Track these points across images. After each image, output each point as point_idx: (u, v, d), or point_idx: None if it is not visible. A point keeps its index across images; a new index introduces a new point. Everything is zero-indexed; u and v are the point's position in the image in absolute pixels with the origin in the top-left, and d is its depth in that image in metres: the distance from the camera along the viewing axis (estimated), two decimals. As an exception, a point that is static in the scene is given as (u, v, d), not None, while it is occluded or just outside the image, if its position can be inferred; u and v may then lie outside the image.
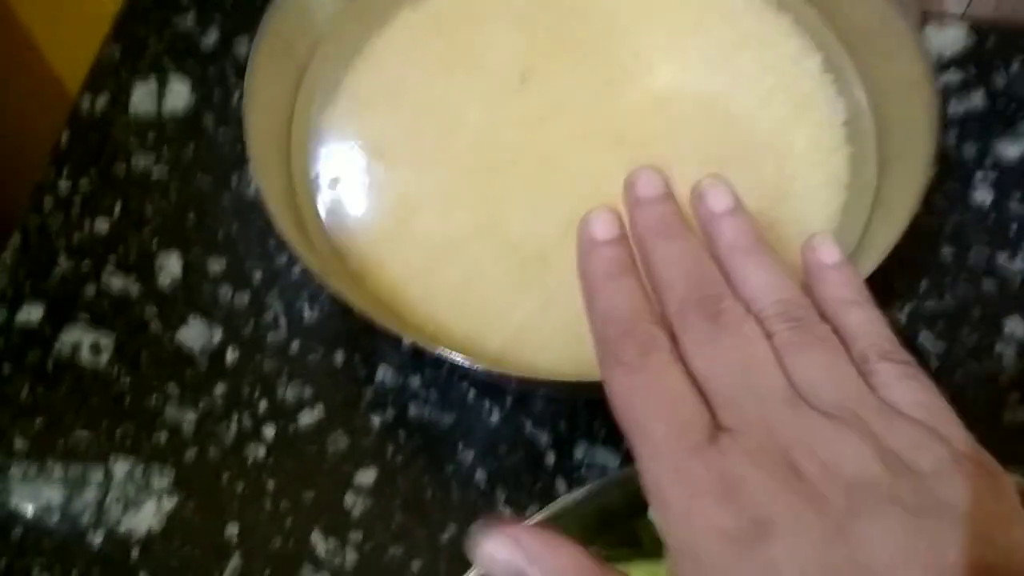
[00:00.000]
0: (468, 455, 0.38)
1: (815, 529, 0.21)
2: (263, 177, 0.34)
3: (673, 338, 0.25)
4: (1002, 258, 0.41)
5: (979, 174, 0.43)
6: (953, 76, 0.45)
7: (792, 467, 0.22)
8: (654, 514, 0.24)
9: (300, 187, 0.38)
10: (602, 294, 0.26)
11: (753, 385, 0.24)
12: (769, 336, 0.25)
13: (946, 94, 0.44)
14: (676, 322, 0.25)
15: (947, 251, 0.41)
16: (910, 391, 0.24)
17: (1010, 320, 0.39)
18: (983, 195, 0.42)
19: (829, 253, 0.28)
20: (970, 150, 0.43)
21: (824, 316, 0.26)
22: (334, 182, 0.38)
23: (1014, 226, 0.41)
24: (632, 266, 0.27)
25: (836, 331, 0.25)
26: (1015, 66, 0.45)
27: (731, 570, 0.22)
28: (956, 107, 0.44)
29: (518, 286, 0.36)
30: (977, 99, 0.44)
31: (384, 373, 0.39)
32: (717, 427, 0.23)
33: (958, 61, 0.45)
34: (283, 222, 0.33)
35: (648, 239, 0.27)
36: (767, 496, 0.22)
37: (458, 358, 0.31)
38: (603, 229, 0.27)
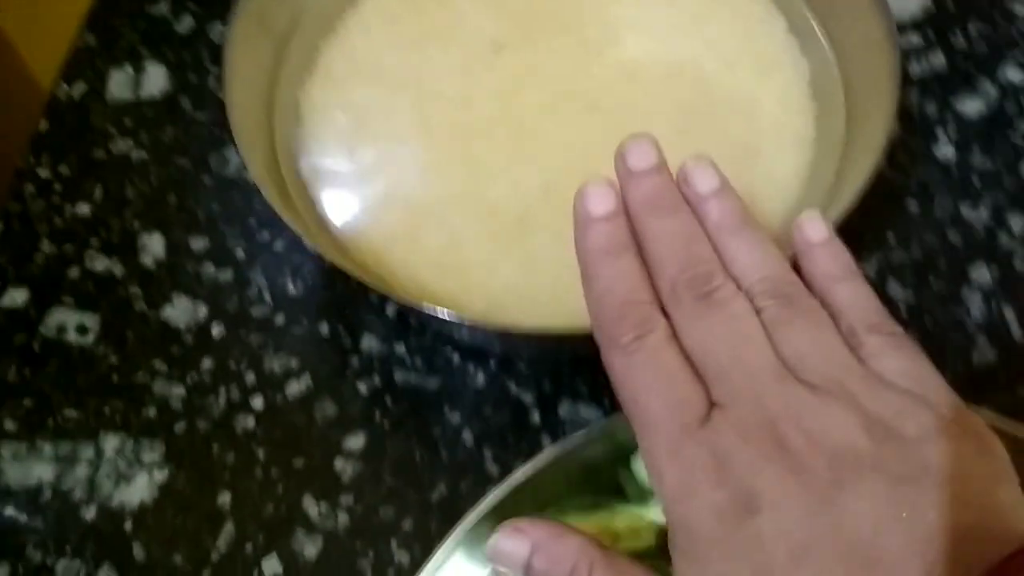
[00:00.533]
0: (455, 417, 0.38)
1: (799, 500, 0.22)
2: (247, 151, 0.35)
3: (668, 314, 0.26)
4: (965, 209, 0.42)
5: (941, 131, 0.44)
6: (913, 38, 0.46)
7: (778, 440, 0.23)
8: (655, 492, 0.25)
9: (282, 161, 0.38)
10: (598, 273, 0.26)
11: (742, 361, 0.24)
12: (758, 312, 0.25)
13: (907, 56, 0.46)
14: (669, 300, 0.26)
15: (913, 204, 0.42)
16: (897, 360, 0.24)
17: (975, 268, 0.41)
18: (945, 150, 0.43)
19: (816, 230, 0.28)
20: (932, 108, 0.44)
21: (814, 292, 0.26)
22: (315, 155, 0.39)
23: (976, 178, 0.43)
24: (628, 242, 0.27)
25: (826, 306, 0.26)
26: (972, 28, 0.46)
27: (722, 544, 0.22)
28: (917, 68, 0.46)
29: (499, 249, 0.36)
30: (937, 60, 0.46)
31: (369, 342, 0.40)
32: (711, 403, 0.24)
33: (918, 24, 0.47)
34: (270, 193, 0.34)
35: (641, 215, 0.27)
36: (753, 470, 0.22)
37: (444, 314, 0.31)
38: (599, 203, 0.27)
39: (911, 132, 0.44)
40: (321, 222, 0.37)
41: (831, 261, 0.27)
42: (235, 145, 0.34)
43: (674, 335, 0.25)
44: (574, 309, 0.35)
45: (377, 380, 0.39)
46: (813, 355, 0.24)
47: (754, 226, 0.27)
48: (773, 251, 0.27)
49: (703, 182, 0.28)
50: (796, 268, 0.27)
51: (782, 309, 0.25)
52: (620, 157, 0.29)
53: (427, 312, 0.32)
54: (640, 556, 0.34)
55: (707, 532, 0.22)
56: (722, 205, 0.27)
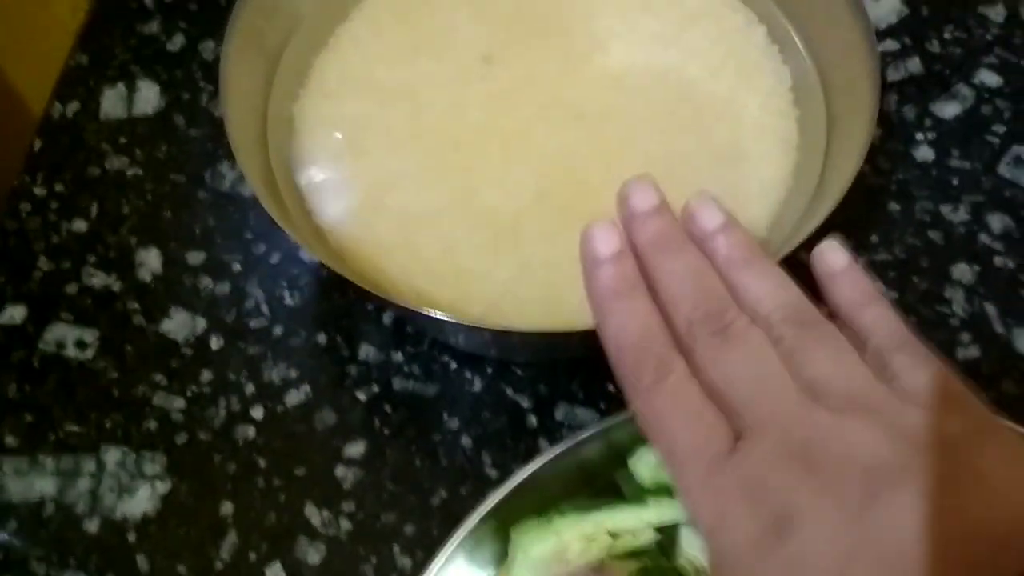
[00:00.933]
0: (453, 423, 0.39)
1: (833, 520, 0.22)
2: (245, 163, 0.36)
3: (685, 352, 0.26)
4: (945, 210, 0.43)
5: (919, 134, 0.45)
6: (890, 44, 0.47)
7: (807, 463, 0.23)
8: (694, 528, 0.25)
9: (278, 174, 0.39)
10: (611, 316, 0.27)
11: (764, 391, 0.24)
12: (776, 341, 0.25)
13: (885, 61, 0.47)
14: (685, 338, 0.26)
15: (894, 207, 0.43)
16: (923, 377, 0.24)
17: (956, 267, 0.42)
18: (924, 153, 0.45)
19: (837, 259, 0.28)
20: (910, 112, 0.46)
21: (840, 319, 0.27)
22: (310, 168, 0.39)
23: (955, 180, 0.44)
24: (637, 280, 0.27)
25: (852, 331, 0.26)
26: (947, 32, 0.48)
27: (759, 570, 0.22)
28: (894, 73, 0.47)
29: (493, 255, 0.37)
30: (914, 65, 0.47)
31: (367, 351, 0.40)
32: (736, 436, 0.24)
33: (894, 30, 0.48)
34: (268, 204, 0.35)
35: (649, 255, 0.28)
36: (786, 495, 0.23)
37: (442, 317, 0.32)
38: (604, 244, 0.28)
39: (891, 135, 0.45)
40: (318, 233, 0.38)
41: (854, 288, 0.28)
42: (230, 159, 0.35)
43: (693, 372, 0.25)
44: (568, 312, 0.36)
45: (376, 388, 0.40)
46: (834, 378, 0.24)
47: (763, 257, 0.28)
48: (785, 280, 0.27)
49: (708, 219, 0.28)
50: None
51: (800, 336, 0.25)
52: (622, 200, 0.29)
53: (426, 316, 0.32)
54: (638, 555, 0.35)
55: (744, 560, 0.23)
56: (729, 240, 0.28)
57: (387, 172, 0.39)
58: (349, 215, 0.38)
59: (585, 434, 0.36)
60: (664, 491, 0.36)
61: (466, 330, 0.35)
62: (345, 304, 0.41)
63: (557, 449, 0.36)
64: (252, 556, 0.37)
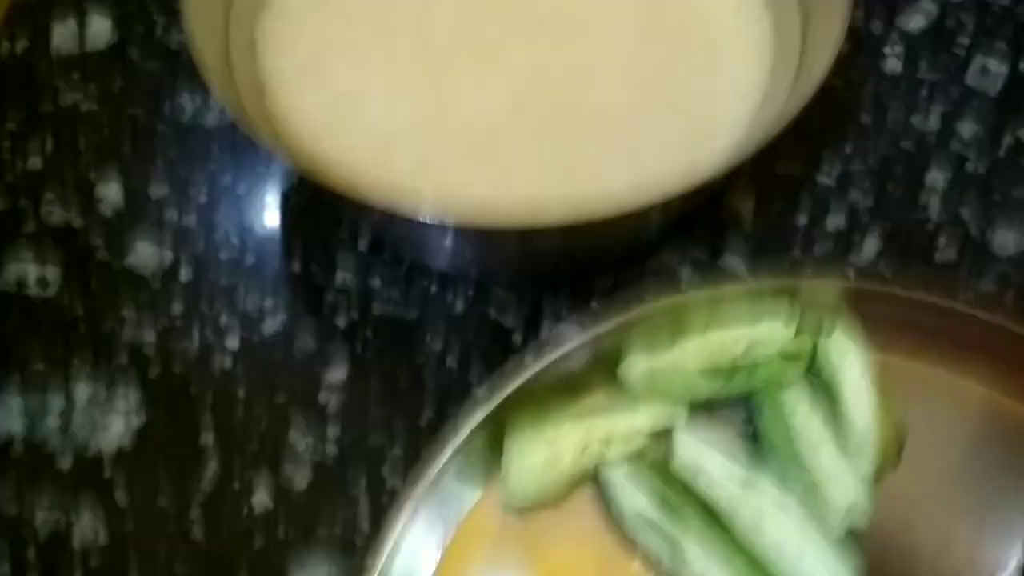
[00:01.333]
0: (437, 344, 0.38)
1: None
2: (213, 81, 0.34)
3: None
4: (916, 119, 0.43)
5: (887, 48, 0.45)
6: (854, -39, 0.47)
7: None
8: None
9: (245, 96, 0.38)
10: None
11: None
12: None
13: (850, -23, 0.47)
14: None
15: (866, 118, 0.43)
16: None
17: (930, 173, 0.42)
18: (893, 65, 0.45)
19: None
20: (877, 26, 0.46)
21: None
22: (276, 89, 0.38)
23: (924, 90, 0.44)
24: None
25: None
26: (909, -52, 0.48)
27: None
28: (860, -11, 0.47)
29: (472, 166, 0.36)
30: (878, -20, 0.47)
31: (343, 276, 0.39)
32: None
33: (857, -52, 0.48)
34: (240, 119, 0.33)
35: None
36: None
37: (427, 218, 0.31)
38: None
39: (859, 50, 0.45)
40: (290, 154, 0.37)
41: None
42: (190, 90, 0.34)
43: None
44: (552, 212, 0.36)
45: (355, 314, 0.39)
46: None
47: None
48: None
49: None
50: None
51: None
52: None
53: (407, 218, 0.32)
54: (632, 459, 0.34)
55: None
56: None
57: (357, 90, 0.38)
58: (321, 136, 0.37)
59: (571, 344, 0.35)
60: (655, 397, 0.36)
61: (450, 235, 0.34)
62: (319, 231, 0.40)
63: (545, 361, 0.35)
64: (236, 485, 0.35)
